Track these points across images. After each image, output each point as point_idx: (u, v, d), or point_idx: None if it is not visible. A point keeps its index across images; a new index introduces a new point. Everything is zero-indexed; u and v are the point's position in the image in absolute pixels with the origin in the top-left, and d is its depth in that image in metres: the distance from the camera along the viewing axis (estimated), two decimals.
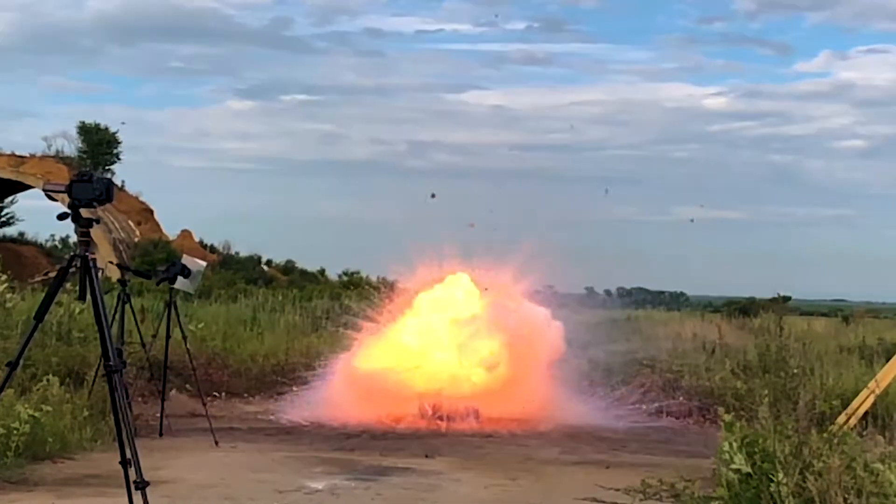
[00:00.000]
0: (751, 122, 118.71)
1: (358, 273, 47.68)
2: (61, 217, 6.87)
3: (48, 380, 11.46)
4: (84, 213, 6.84)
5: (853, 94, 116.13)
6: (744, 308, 38.46)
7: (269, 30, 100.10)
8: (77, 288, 6.84)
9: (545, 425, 14.57)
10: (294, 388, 16.32)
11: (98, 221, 7.07)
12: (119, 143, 50.73)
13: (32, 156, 49.05)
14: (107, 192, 6.80)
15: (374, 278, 42.67)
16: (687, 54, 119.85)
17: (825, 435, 7.57)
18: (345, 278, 49.11)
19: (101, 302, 6.66)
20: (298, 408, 15.32)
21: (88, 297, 6.76)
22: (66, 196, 6.84)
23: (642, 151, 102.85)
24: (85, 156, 49.42)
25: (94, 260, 6.73)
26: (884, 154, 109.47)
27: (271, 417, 14.82)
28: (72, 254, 6.82)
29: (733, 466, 7.40)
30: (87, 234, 6.83)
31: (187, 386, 14.44)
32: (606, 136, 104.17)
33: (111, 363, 6.55)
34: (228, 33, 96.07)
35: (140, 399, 13.49)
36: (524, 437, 13.77)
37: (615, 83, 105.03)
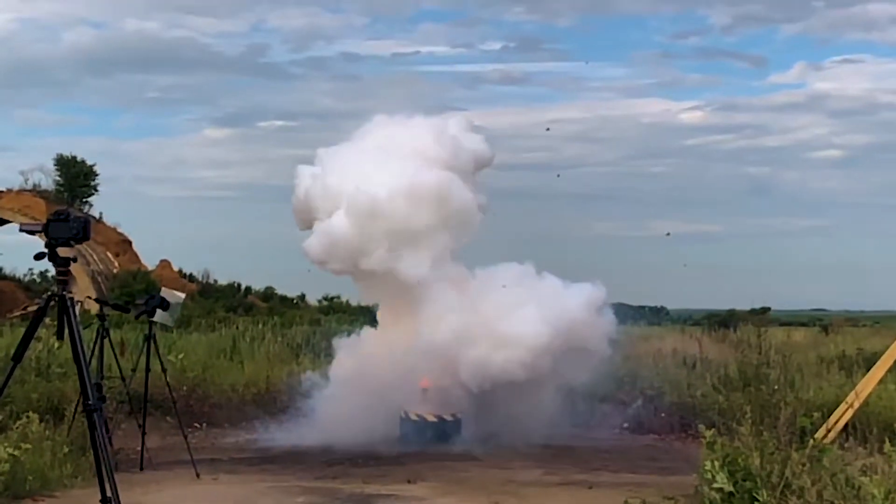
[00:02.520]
0: (727, 136, 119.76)
1: (338, 297, 47.72)
2: (38, 257, 6.87)
3: (28, 417, 11.39)
4: (61, 251, 6.84)
5: (828, 104, 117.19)
6: (724, 320, 38.57)
7: (246, 57, 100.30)
8: (56, 323, 6.83)
9: (527, 444, 14.58)
10: (275, 417, 16.27)
11: (75, 259, 7.07)
12: (96, 175, 50.59)
13: (9, 190, 48.81)
14: (83, 230, 6.80)
15: (354, 303, 42.96)
16: (663, 70, 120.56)
17: (806, 450, 7.61)
18: (325, 303, 49.08)
19: (80, 341, 6.64)
20: (280, 436, 15.30)
21: (66, 334, 6.74)
22: (43, 234, 6.84)
23: (620, 167, 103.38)
24: (62, 189, 49.24)
25: (72, 299, 6.72)
26: (859, 164, 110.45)
27: (253, 447, 14.78)
28: (49, 293, 6.81)
29: (715, 485, 7.43)
30: (65, 273, 6.83)
31: (168, 418, 14.37)
32: (584, 152, 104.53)
33: (90, 402, 6.54)
34: (204, 62, 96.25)
35: (120, 433, 13.41)
36: (506, 457, 13.74)
37: (592, 100, 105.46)
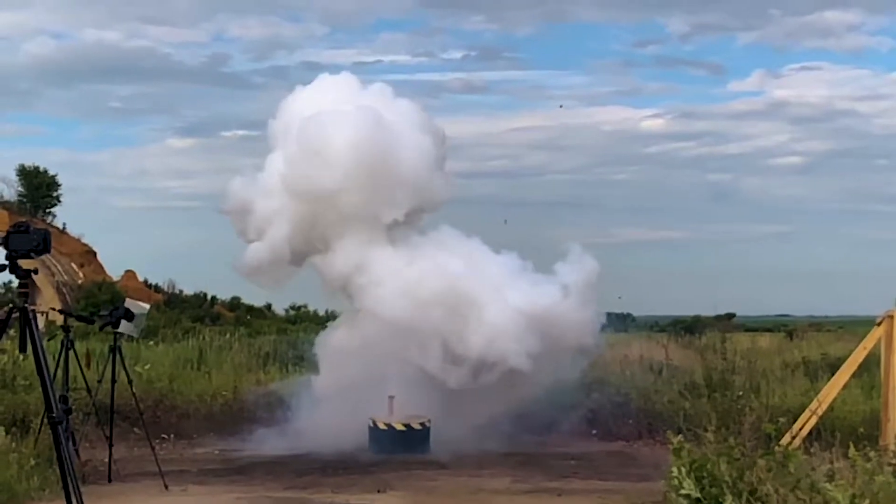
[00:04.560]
0: (688, 143, 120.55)
1: (305, 307, 47.68)
2: None
3: None
4: (23, 263, 6.79)
5: (787, 111, 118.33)
6: (689, 327, 38.71)
7: (207, 67, 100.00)
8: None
9: (496, 451, 14.57)
10: (243, 427, 16.19)
11: (37, 271, 7.01)
12: (59, 185, 50.39)
13: None
14: (44, 242, 6.77)
15: (321, 312, 42.87)
16: (623, 78, 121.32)
17: (771, 456, 7.66)
18: (291, 312, 49.00)
19: (43, 354, 6.60)
20: (249, 446, 15.23)
21: (30, 347, 6.70)
22: (3, 247, 6.79)
23: (582, 175, 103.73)
24: (25, 200, 48.99)
25: (34, 311, 6.67)
26: (820, 170, 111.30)
27: (222, 457, 14.70)
28: (10, 306, 6.76)
29: (682, 492, 7.46)
30: (26, 286, 6.77)
31: (135, 429, 14.28)
32: (546, 161, 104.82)
33: (54, 415, 6.49)
34: (166, 72, 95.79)
35: (88, 445, 13.31)
36: (475, 465, 13.73)
37: (554, 109, 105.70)
